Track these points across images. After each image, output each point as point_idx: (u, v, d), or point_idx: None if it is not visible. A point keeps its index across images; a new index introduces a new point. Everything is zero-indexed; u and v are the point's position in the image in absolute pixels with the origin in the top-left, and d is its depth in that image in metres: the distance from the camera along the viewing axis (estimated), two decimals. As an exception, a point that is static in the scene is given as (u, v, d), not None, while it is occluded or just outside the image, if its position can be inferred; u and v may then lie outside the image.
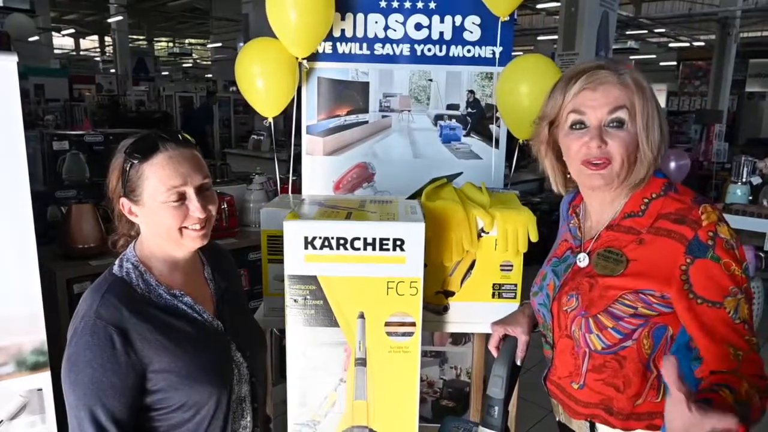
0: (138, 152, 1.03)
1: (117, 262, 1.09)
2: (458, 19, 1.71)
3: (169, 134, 1.06)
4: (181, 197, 1.04)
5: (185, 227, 1.06)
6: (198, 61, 22.92)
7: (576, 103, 1.05)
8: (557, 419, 1.25)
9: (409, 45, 1.73)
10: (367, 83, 1.76)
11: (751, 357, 0.95)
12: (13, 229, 1.51)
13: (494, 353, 1.23)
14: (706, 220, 0.99)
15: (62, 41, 20.01)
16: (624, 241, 1.07)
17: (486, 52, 1.74)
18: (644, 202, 1.07)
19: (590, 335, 1.07)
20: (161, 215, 1.04)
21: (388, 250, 1.14)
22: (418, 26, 1.71)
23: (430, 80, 1.76)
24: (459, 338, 2.01)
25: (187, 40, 21.78)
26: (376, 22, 1.71)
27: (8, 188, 1.49)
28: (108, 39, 18.60)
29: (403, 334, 1.18)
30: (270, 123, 1.71)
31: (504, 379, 1.15)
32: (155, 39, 20.93)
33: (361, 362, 1.19)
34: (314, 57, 1.72)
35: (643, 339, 1.05)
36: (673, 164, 4.70)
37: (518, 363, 1.20)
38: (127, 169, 1.04)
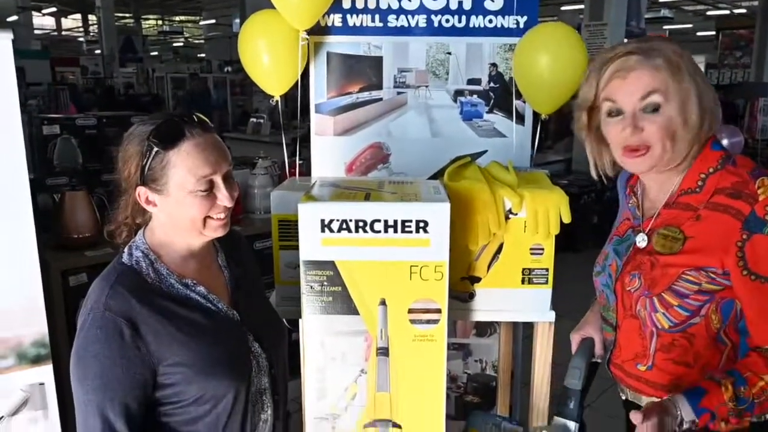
0: (162, 139, 1.03)
1: (126, 250, 1.11)
2: (478, -14, 1.72)
3: (190, 118, 1.06)
4: (209, 186, 1.06)
5: (209, 217, 1.08)
6: (189, 39, 22.93)
7: (608, 92, 1.12)
8: (623, 398, 1.32)
9: (425, 16, 1.72)
10: (381, 58, 1.76)
11: None
12: (11, 220, 1.54)
13: None
14: (763, 194, 1.04)
15: (42, 21, 20.08)
16: (682, 218, 1.13)
17: (509, 22, 1.74)
18: (701, 177, 1.12)
19: (656, 314, 1.13)
20: (187, 205, 1.06)
21: (410, 232, 1.16)
22: (435, -6, 1.72)
23: (449, 53, 1.77)
24: (484, 329, 2.03)
25: (177, 18, 21.76)
26: (389, -8, 1.72)
27: (6, 177, 1.52)
28: (92, 17, 18.63)
29: (428, 322, 1.20)
30: (277, 102, 1.73)
31: (582, 371, 1.24)
32: (143, 17, 20.95)
33: (384, 352, 1.21)
34: (323, 31, 1.72)
35: (711, 314, 1.10)
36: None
37: (597, 360, 1.31)
38: (149, 157, 1.04)
